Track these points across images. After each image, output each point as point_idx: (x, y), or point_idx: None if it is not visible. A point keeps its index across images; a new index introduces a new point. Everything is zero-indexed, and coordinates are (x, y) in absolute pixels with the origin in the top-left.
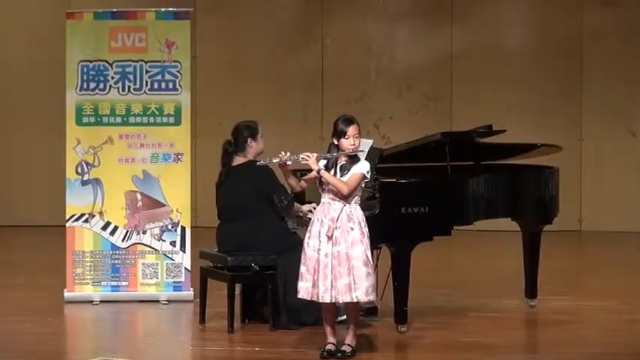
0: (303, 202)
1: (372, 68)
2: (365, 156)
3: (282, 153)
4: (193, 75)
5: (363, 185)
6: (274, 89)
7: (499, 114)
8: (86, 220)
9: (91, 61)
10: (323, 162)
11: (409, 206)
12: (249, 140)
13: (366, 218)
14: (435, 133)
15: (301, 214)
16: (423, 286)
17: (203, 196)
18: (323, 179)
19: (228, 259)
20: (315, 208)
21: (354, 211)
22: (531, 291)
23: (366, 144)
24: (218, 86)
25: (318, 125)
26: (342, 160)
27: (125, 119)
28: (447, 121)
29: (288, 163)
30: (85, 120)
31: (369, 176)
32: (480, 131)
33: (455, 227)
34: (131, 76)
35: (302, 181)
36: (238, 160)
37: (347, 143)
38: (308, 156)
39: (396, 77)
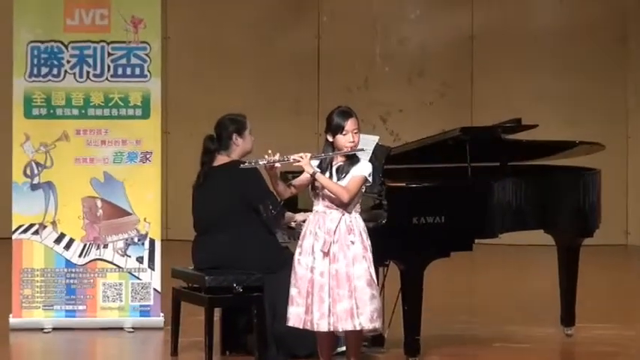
0: (294, 210)
1: (378, 51)
2: (368, 156)
3: (270, 153)
4: (164, 59)
5: (363, 190)
6: (261, 76)
7: (529, 105)
8: (36, 232)
9: (42, 42)
10: (316, 163)
11: (422, 215)
12: (234, 136)
13: (370, 230)
14: (453, 128)
15: (294, 225)
16: (438, 311)
17: (176, 203)
18: (317, 183)
19: (206, 278)
20: (308, 218)
21: (355, 221)
22: (568, 317)
23: (370, 141)
24: (194, 72)
25: (313, 119)
26: (339, 161)
27: (83, 111)
28: (467, 114)
29: (277, 165)
30: (36, 112)
31: (371, 179)
32: (506, 126)
33: (477, 241)
34: (90, 60)
35: (292, 187)
36: (220, 160)
37: (344, 140)
38: (300, 156)
39: (406, 62)
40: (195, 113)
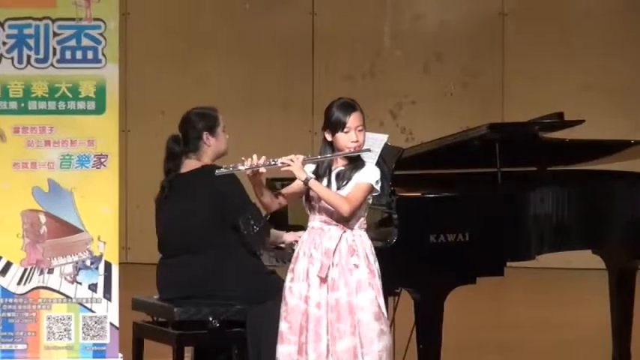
0: (284, 226)
1: (387, 30)
2: (376, 158)
3: (254, 157)
4: (123, 40)
5: (370, 201)
6: (241, 62)
7: (571, 97)
8: None
9: None
10: (311, 167)
11: (441, 232)
12: (204, 135)
13: (378, 251)
14: (479, 125)
15: (283, 245)
16: (461, 350)
17: (138, 218)
18: (312, 193)
19: (175, 310)
20: (301, 237)
21: (359, 239)
22: (622, 356)
23: (378, 141)
24: (159, 57)
25: (306, 114)
26: (340, 165)
27: (23, 104)
28: (497, 108)
29: (261, 170)
30: None
31: (379, 188)
32: (545, 122)
33: (509, 263)
34: (32, 42)
35: (280, 197)
36: (189, 165)
37: (346, 140)
38: (291, 160)
39: (422, 43)
40: (161, 107)
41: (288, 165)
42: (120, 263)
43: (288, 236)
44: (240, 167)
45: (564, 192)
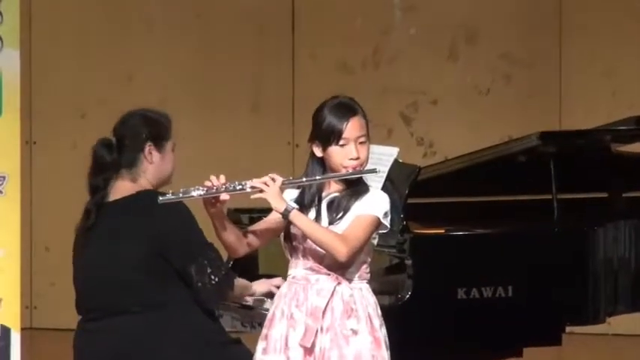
0: (254, 276)
1: (397, 1)
2: (382, 181)
3: (212, 179)
4: (27, 19)
5: (375, 241)
6: (192, 48)
7: None
8: None
9: None
10: (294, 194)
11: (474, 286)
12: (147, 147)
13: (386, 311)
14: (527, 134)
15: (251, 303)
16: None
17: (47, 266)
18: (295, 229)
19: None
20: (279, 290)
21: (360, 295)
22: None
23: (385, 157)
24: (79, 42)
25: (285, 119)
26: (334, 191)
27: None
28: (552, 110)
29: (223, 197)
30: None
31: (387, 223)
32: (619, 129)
33: (569, 328)
34: None
35: (249, 235)
36: (121, 189)
37: (343, 156)
38: (265, 183)
39: (447, 19)
40: (80, 110)
41: (261, 190)
42: (22, 329)
43: (260, 286)
44: (194, 193)
45: None
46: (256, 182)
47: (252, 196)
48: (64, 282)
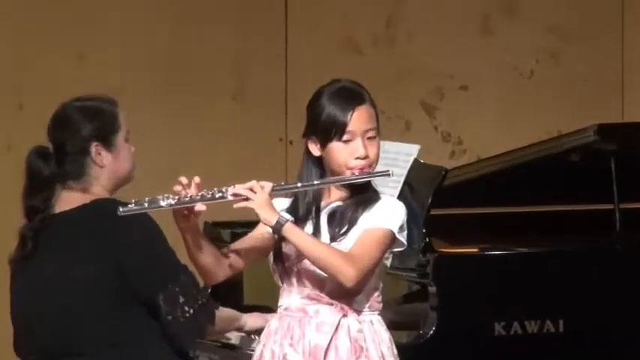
0: (238, 307)
1: None
2: (398, 187)
3: (183, 182)
4: None
5: (388, 262)
6: (161, 22)
7: None
8: None
9: None
10: (285, 203)
11: (514, 319)
12: (94, 148)
13: (403, 349)
14: (581, 128)
15: (233, 342)
16: None
17: None
18: (287, 247)
19: None
20: (268, 324)
21: (371, 329)
22: None
23: (402, 156)
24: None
25: (275, 110)
26: (336, 199)
27: None
28: (614, 98)
29: (198, 208)
30: None
31: (404, 238)
32: None
33: None
34: None
35: (231, 254)
36: (69, 200)
37: (347, 154)
38: (251, 189)
39: None
40: (16, 98)
41: (246, 199)
42: None
43: (252, 319)
44: (162, 203)
45: None
46: (240, 189)
47: (234, 206)
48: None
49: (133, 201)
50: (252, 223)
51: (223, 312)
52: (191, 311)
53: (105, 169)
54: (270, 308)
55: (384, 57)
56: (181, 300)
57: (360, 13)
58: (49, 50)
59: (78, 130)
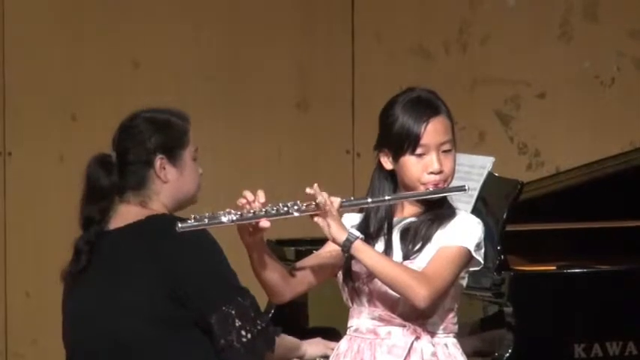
0: (302, 331)
1: None
2: (472, 202)
3: (247, 197)
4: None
5: (465, 281)
6: (220, 26)
7: None
8: None
9: None
10: (355, 219)
11: (596, 339)
12: (158, 161)
13: None
14: None
15: None
16: None
17: (27, 316)
18: (357, 266)
19: None
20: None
21: (445, 352)
22: None
23: (476, 169)
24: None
25: (342, 120)
26: (409, 215)
27: None
28: None
29: (263, 224)
30: None
31: (481, 257)
32: None
33: None
34: None
35: (298, 273)
36: (127, 213)
37: (421, 169)
38: (318, 205)
39: None
40: (69, 110)
41: (316, 213)
42: None
43: (313, 347)
44: (223, 218)
45: None
46: (307, 204)
47: (308, 220)
48: (52, 337)
49: (192, 216)
50: (318, 241)
51: (284, 339)
52: (248, 336)
53: (168, 185)
54: (336, 330)
55: (456, 64)
56: (237, 324)
57: (431, 19)
58: (102, 61)
59: (143, 140)
